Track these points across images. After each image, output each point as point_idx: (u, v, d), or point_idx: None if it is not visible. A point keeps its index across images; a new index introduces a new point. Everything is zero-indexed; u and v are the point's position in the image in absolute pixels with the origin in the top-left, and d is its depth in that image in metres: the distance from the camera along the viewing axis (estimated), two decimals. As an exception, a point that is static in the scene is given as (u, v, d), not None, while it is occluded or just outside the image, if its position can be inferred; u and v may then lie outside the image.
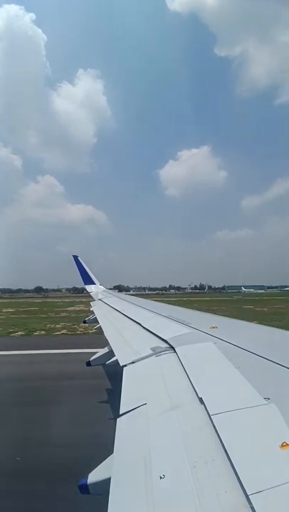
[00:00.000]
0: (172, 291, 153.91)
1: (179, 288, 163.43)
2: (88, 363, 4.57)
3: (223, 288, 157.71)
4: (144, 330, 4.02)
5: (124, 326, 4.81)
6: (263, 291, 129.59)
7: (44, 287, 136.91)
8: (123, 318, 5.72)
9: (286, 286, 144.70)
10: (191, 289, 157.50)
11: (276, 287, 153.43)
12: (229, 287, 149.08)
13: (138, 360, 2.73)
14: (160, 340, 3.19)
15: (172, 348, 2.78)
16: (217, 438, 1.33)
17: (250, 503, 1.00)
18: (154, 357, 2.70)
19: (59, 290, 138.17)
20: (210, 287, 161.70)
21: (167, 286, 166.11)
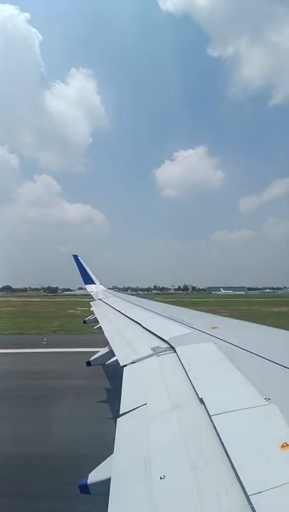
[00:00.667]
0: (155, 291, 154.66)
1: (163, 289, 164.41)
2: (88, 363, 4.56)
3: (204, 289, 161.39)
4: (144, 330, 4.02)
5: (124, 326, 4.81)
6: (244, 292, 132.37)
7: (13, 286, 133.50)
8: (123, 318, 5.72)
9: (267, 288, 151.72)
10: (175, 289, 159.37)
11: (260, 289, 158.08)
12: (212, 288, 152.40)
13: (138, 361, 2.73)
14: (160, 341, 3.19)
15: (172, 348, 2.78)
16: (217, 438, 1.33)
17: (250, 503, 0.99)
18: (154, 357, 2.70)
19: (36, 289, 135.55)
20: (194, 288, 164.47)
21: (152, 287, 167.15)
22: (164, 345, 2.95)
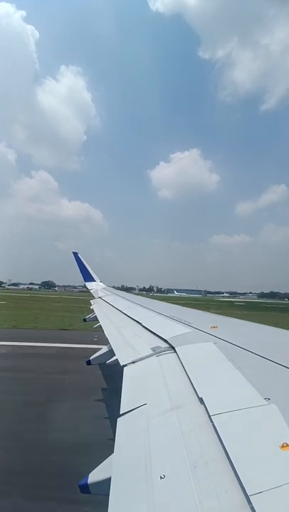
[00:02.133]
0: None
1: (129, 288, 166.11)
2: (88, 362, 4.57)
3: (163, 290, 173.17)
4: (144, 329, 4.02)
5: (124, 325, 4.81)
6: (200, 295, 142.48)
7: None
8: (123, 317, 5.72)
9: (222, 293, 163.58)
10: (140, 289, 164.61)
11: (218, 293, 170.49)
12: (169, 290, 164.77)
13: (138, 360, 2.73)
14: (160, 340, 3.19)
15: (172, 347, 2.78)
16: (217, 438, 1.33)
17: (250, 503, 1.00)
18: (154, 357, 2.70)
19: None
20: (159, 289, 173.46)
21: (119, 286, 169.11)
22: (164, 345, 2.95)
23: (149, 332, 3.78)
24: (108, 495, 1.24)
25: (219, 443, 1.30)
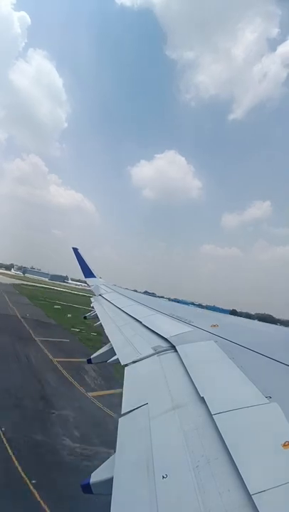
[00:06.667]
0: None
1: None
2: (89, 360, 4.57)
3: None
4: (145, 328, 4.02)
5: (125, 324, 4.81)
6: None
7: None
8: (123, 316, 5.72)
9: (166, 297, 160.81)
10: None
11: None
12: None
13: (139, 360, 2.73)
14: (161, 339, 3.19)
15: (173, 346, 2.77)
16: (219, 437, 1.33)
17: (252, 502, 1.00)
18: (155, 356, 2.70)
19: None
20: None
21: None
22: (165, 344, 2.94)
23: (149, 331, 3.77)
24: (110, 495, 1.24)
25: (221, 442, 1.30)
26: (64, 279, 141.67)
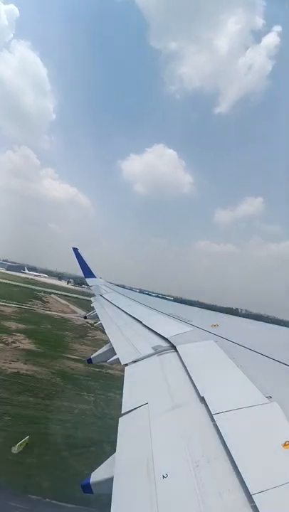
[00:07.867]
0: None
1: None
2: (89, 360, 4.56)
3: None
4: (145, 328, 4.01)
5: (125, 324, 4.80)
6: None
7: None
8: (124, 316, 5.71)
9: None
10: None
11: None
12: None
13: (139, 360, 2.73)
14: (161, 339, 3.19)
15: (173, 346, 2.77)
16: (219, 437, 1.33)
17: (253, 502, 1.00)
18: (155, 356, 2.69)
19: None
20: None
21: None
22: (165, 344, 2.94)
23: (149, 331, 3.77)
24: (111, 494, 1.24)
25: (221, 442, 1.30)
26: (21, 269, 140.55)
